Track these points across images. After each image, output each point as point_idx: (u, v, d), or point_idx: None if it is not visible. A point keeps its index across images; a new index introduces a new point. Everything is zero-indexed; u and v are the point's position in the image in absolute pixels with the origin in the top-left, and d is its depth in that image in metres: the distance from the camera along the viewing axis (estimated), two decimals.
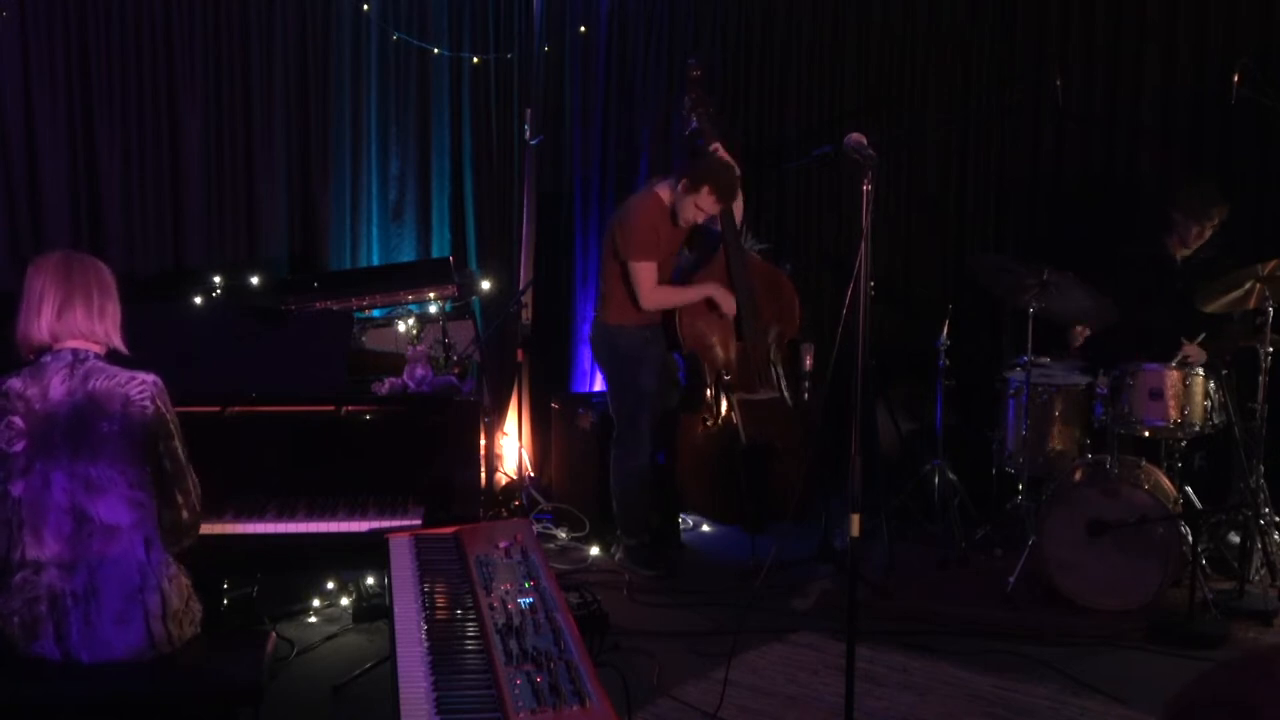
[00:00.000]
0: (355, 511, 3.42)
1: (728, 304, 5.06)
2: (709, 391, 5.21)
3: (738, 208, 5.15)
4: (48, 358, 2.82)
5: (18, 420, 2.76)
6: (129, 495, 2.78)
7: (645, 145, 6.18)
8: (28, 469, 2.75)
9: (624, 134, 6.20)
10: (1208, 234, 5.05)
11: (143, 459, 2.80)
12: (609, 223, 5.09)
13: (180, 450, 2.88)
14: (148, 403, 2.79)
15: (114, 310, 2.91)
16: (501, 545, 2.81)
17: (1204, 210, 5.00)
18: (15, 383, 2.80)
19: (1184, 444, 4.96)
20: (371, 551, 3.20)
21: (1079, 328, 5.26)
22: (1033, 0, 6.12)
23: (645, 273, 4.87)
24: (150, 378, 2.83)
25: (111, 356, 2.89)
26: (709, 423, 5.21)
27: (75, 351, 2.82)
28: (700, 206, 4.82)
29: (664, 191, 4.93)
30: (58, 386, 2.77)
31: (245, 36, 5.27)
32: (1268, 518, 4.81)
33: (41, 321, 2.81)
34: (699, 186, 4.78)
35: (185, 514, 2.89)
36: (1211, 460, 5.21)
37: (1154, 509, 4.42)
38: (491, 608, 2.47)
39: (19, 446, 2.75)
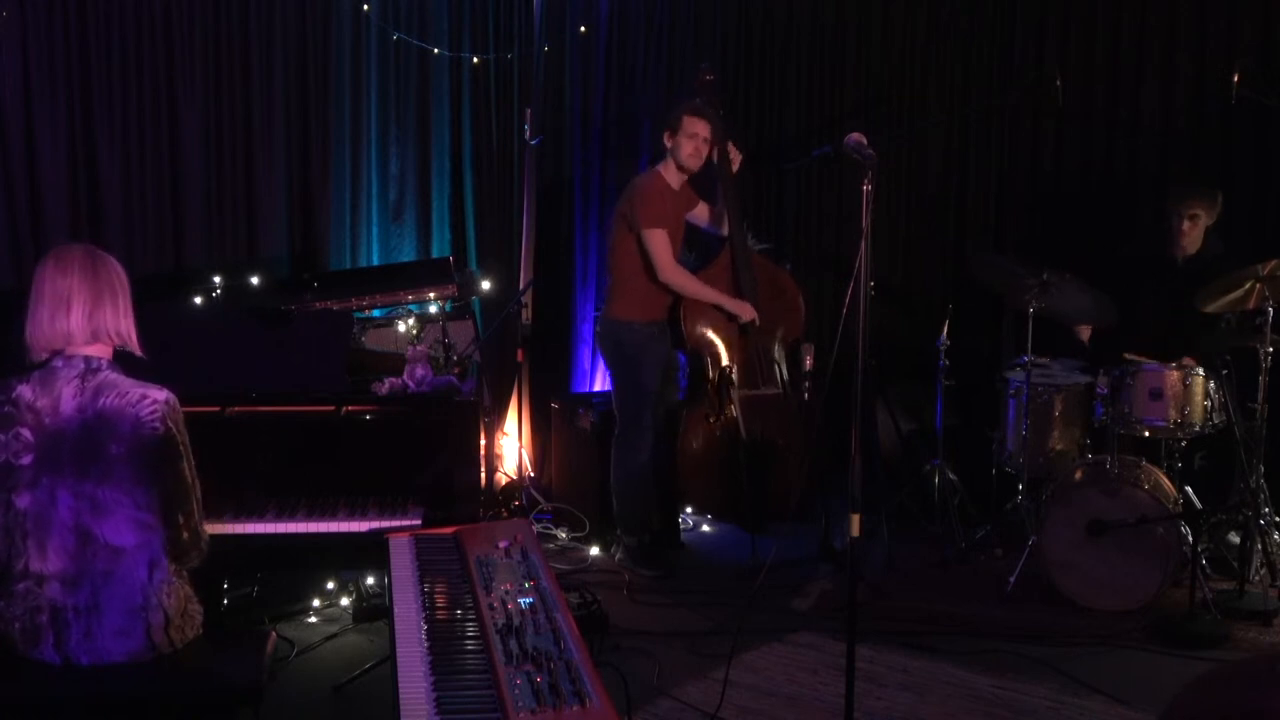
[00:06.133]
0: (355, 511, 3.42)
1: (746, 312, 5.08)
2: (711, 389, 5.20)
3: (734, 155, 5.15)
4: (58, 362, 2.72)
5: (26, 433, 2.69)
6: (135, 517, 2.72)
7: (646, 144, 6.17)
8: (35, 482, 2.69)
9: (624, 134, 6.19)
10: (1198, 221, 5.07)
11: (150, 481, 2.72)
12: (615, 207, 5.09)
13: (187, 471, 2.78)
14: (158, 424, 2.70)
15: (131, 310, 2.82)
16: (501, 545, 2.81)
17: (1180, 197, 5.10)
18: (25, 390, 2.70)
19: (1184, 444, 4.96)
20: (371, 551, 3.20)
21: (1083, 326, 5.27)
22: (1033, 0, 6.12)
23: (659, 240, 4.88)
24: (162, 395, 2.73)
25: (121, 359, 2.81)
26: (711, 420, 5.21)
27: (88, 359, 2.72)
28: (693, 134, 4.87)
29: (665, 170, 4.98)
30: (68, 400, 2.69)
31: (245, 37, 5.27)
32: (1268, 518, 4.81)
33: (71, 322, 2.70)
34: (678, 123, 4.87)
35: (185, 534, 2.79)
36: (1211, 460, 5.20)
37: (1154, 509, 4.42)
38: (491, 608, 2.47)
39: (26, 460, 2.69)
